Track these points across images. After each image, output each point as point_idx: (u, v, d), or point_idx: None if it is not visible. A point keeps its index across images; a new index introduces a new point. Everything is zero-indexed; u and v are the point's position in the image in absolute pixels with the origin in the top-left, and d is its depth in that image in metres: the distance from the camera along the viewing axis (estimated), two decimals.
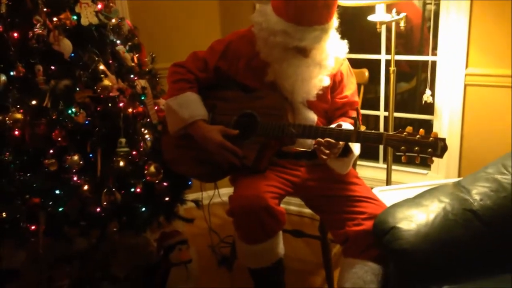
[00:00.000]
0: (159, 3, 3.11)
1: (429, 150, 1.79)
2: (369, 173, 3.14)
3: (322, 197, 2.12)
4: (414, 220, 1.80)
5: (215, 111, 2.19)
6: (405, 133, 1.84)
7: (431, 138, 1.79)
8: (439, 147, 1.78)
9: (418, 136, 1.81)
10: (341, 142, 1.96)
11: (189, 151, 2.19)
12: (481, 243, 1.76)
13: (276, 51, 2.01)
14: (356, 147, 2.06)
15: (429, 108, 2.88)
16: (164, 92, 2.52)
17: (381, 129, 3.10)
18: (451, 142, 2.77)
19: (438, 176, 2.91)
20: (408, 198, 1.97)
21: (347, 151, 2.02)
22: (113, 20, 2.33)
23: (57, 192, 2.08)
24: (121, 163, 2.17)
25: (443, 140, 1.79)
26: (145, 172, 2.29)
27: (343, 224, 2.01)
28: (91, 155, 2.16)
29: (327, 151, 1.94)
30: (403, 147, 1.82)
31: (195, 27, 3.20)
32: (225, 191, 2.35)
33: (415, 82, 3.63)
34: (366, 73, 2.63)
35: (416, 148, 1.80)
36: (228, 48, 2.16)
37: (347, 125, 2.01)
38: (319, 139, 1.94)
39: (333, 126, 2.00)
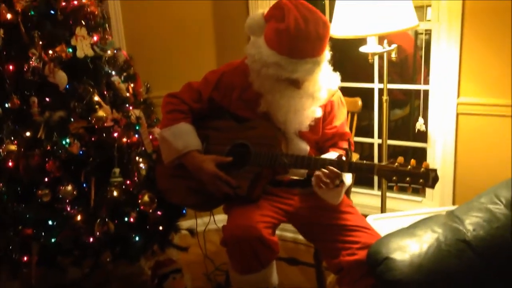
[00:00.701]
0: (156, 34, 3.16)
1: (421, 180, 1.80)
2: (363, 200, 3.14)
3: (316, 225, 2.12)
4: (407, 251, 1.80)
5: (209, 141, 2.20)
6: (396, 163, 1.85)
7: (422, 169, 1.81)
8: (430, 178, 1.80)
9: (409, 166, 1.83)
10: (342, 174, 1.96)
11: (183, 181, 2.19)
12: (474, 274, 1.75)
13: (268, 83, 2.03)
14: (347, 177, 2.07)
15: (423, 136, 2.90)
16: (159, 121, 2.54)
17: (375, 157, 3.11)
18: (445, 170, 2.78)
19: (432, 203, 2.91)
20: (402, 227, 1.97)
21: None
22: (109, 52, 2.36)
23: (50, 222, 2.08)
24: (115, 193, 2.18)
25: (435, 170, 1.80)
26: (139, 201, 2.29)
27: (337, 254, 2.00)
28: (84, 185, 2.17)
29: (328, 181, 1.94)
30: (394, 178, 1.83)
31: (191, 57, 3.24)
32: (221, 218, 2.34)
33: (408, 109, 3.66)
34: (359, 102, 2.66)
35: (408, 178, 1.81)
36: (221, 79, 2.19)
37: (333, 155, 2.02)
38: (322, 169, 1.94)
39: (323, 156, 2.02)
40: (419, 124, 2.82)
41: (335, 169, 1.92)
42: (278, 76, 1.97)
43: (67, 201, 2.10)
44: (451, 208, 2.05)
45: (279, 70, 1.95)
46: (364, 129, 3.21)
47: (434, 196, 2.89)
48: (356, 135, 2.89)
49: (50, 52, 2.12)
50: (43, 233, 2.07)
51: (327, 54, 2.04)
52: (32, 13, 2.12)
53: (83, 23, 2.27)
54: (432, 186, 1.80)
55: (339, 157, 1.93)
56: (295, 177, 2.17)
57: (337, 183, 1.96)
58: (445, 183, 2.79)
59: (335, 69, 2.16)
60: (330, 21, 2.20)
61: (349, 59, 3.38)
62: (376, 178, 3.16)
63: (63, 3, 2.20)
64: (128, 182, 2.26)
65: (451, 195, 2.81)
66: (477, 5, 2.53)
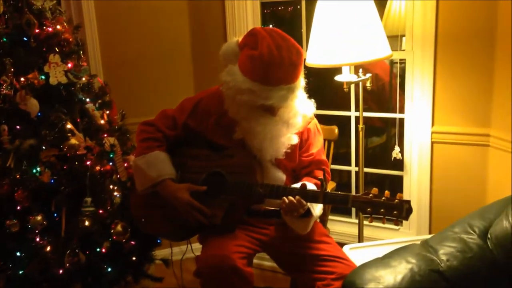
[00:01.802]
0: (133, 60, 3.15)
1: (395, 212, 1.81)
2: (341, 228, 3.13)
3: (291, 255, 2.10)
4: (381, 282, 1.78)
5: (184, 169, 2.18)
6: (371, 194, 1.85)
7: (396, 200, 1.81)
8: (404, 210, 1.81)
9: (383, 198, 1.83)
10: (307, 204, 1.96)
11: (157, 210, 2.16)
12: None
13: (243, 110, 2.03)
14: (317, 209, 2.06)
15: (399, 164, 2.92)
16: (135, 148, 2.51)
17: (353, 185, 3.12)
18: (421, 198, 2.80)
19: (409, 232, 2.91)
20: (377, 258, 1.96)
21: (308, 211, 2.02)
22: (83, 79, 2.34)
23: (18, 254, 2.02)
24: (87, 223, 2.14)
25: (408, 202, 1.81)
26: (112, 231, 2.25)
27: (313, 284, 1.98)
28: (55, 215, 2.12)
29: (292, 209, 1.94)
30: (369, 209, 1.84)
31: (168, 84, 3.24)
32: (199, 246, 2.31)
33: (385, 137, 3.69)
34: (336, 130, 2.67)
35: (382, 210, 1.82)
36: (197, 106, 2.18)
37: (310, 185, 2.02)
38: (289, 197, 1.94)
39: (297, 185, 2.01)
40: (395, 152, 2.84)
41: (301, 199, 1.92)
42: (252, 103, 1.97)
43: (37, 231, 2.04)
44: (426, 237, 2.05)
45: (253, 97, 1.95)
46: (342, 157, 3.22)
47: (411, 225, 2.89)
48: (334, 162, 2.89)
49: (22, 79, 2.10)
50: (10, 265, 2.00)
51: (301, 81, 2.05)
52: (5, 40, 2.09)
53: (57, 50, 2.25)
54: (406, 217, 1.81)
55: (303, 186, 1.95)
56: (270, 207, 2.15)
57: (301, 212, 1.96)
58: (422, 212, 2.81)
59: (312, 97, 2.17)
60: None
61: (326, 87, 3.41)
62: None
63: (37, 30, 2.19)
64: (100, 211, 2.22)
65: (428, 223, 2.82)
66: (450, 35, 2.58)
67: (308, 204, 1.99)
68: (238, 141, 2.11)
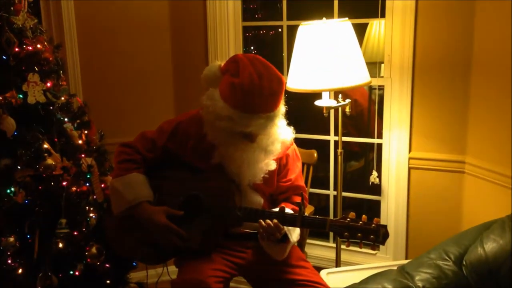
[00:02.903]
0: (113, 81, 3.15)
1: (371, 236, 1.82)
2: (318, 252, 3.13)
3: (269, 280, 2.09)
4: None
5: (161, 192, 2.16)
6: (348, 219, 1.86)
7: (373, 225, 1.83)
8: (380, 234, 1.82)
9: (360, 222, 1.84)
10: (284, 228, 1.96)
11: (133, 232, 2.13)
12: None
13: (222, 135, 2.03)
14: (294, 234, 2.06)
15: (377, 188, 2.94)
16: (113, 169, 2.49)
17: (331, 209, 3.13)
18: (398, 223, 2.82)
19: (386, 256, 2.93)
20: (354, 283, 1.96)
21: (285, 237, 2.02)
22: (62, 98, 2.32)
23: None
24: (60, 245, 2.10)
25: (385, 227, 1.83)
26: (86, 253, 2.20)
27: None
28: (28, 236, 2.08)
29: (269, 233, 1.94)
30: (346, 233, 1.85)
31: (148, 105, 3.24)
32: (174, 269, 2.28)
33: (364, 162, 3.73)
34: (315, 154, 2.69)
35: (359, 234, 1.83)
36: (177, 129, 2.17)
37: (288, 210, 2.02)
38: (267, 220, 1.93)
39: (275, 210, 2.01)
40: (373, 177, 2.86)
41: (278, 223, 1.93)
42: (231, 130, 1.98)
43: (8, 253, 1.99)
44: (403, 262, 2.06)
45: (232, 124, 1.95)
46: (321, 181, 3.24)
47: (388, 249, 2.90)
48: (313, 186, 2.90)
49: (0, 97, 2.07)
50: None
51: (282, 108, 2.06)
52: None
53: (37, 69, 2.22)
54: (382, 242, 1.82)
55: (281, 209, 1.95)
56: (248, 230, 2.14)
57: (278, 237, 1.96)
58: (398, 237, 2.82)
59: (292, 121, 2.19)
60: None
61: (307, 111, 3.44)
62: None
63: (17, 49, 2.16)
64: (75, 233, 2.17)
65: (404, 249, 2.84)
66: (427, 62, 2.64)
67: (286, 230, 1.99)
68: (216, 164, 2.10)
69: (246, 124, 1.93)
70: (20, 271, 2.01)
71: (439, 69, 2.61)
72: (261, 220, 1.95)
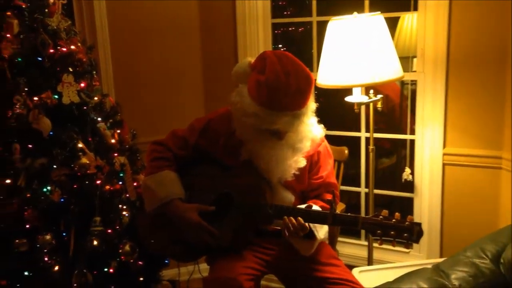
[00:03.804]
0: (145, 80, 3.19)
1: (405, 234, 1.79)
2: (350, 250, 3.10)
3: (298, 277, 2.08)
4: None
5: (193, 190, 2.17)
6: (381, 216, 1.83)
7: (406, 223, 1.79)
8: (414, 232, 1.78)
9: (393, 220, 1.81)
10: (308, 226, 1.94)
11: (165, 230, 2.15)
12: None
13: (249, 132, 2.02)
14: (321, 231, 2.04)
15: (410, 185, 2.89)
16: (145, 167, 2.52)
17: (362, 206, 3.09)
18: (432, 221, 2.76)
19: (420, 255, 2.87)
20: (387, 282, 1.93)
21: (312, 233, 2.01)
22: (95, 98, 2.36)
23: (26, 273, 2.02)
24: (95, 242, 2.13)
25: (419, 224, 1.79)
26: (120, 251, 2.24)
27: None
28: (64, 234, 2.12)
29: (293, 231, 1.93)
30: (379, 231, 1.82)
31: (179, 104, 3.26)
32: (206, 267, 2.30)
33: (395, 158, 3.67)
34: (346, 151, 2.66)
35: (392, 232, 1.80)
36: (207, 126, 2.18)
37: (316, 207, 2.01)
38: (291, 218, 1.93)
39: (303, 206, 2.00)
40: (406, 174, 2.81)
41: (302, 222, 1.91)
42: (257, 127, 1.97)
43: (45, 251, 2.04)
44: (438, 261, 2.02)
45: (258, 121, 1.94)
46: (352, 178, 3.20)
47: (422, 248, 2.85)
48: (343, 183, 2.87)
49: (36, 98, 2.11)
50: (18, 285, 1.99)
51: (311, 105, 2.03)
52: (19, 59, 2.12)
53: (71, 70, 2.27)
54: (417, 240, 1.79)
55: (308, 207, 1.94)
56: (279, 227, 2.14)
57: (300, 235, 1.95)
58: (432, 235, 2.77)
59: (322, 117, 2.16)
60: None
61: (337, 107, 3.40)
62: None
63: (51, 50, 2.21)
64: (109, 231, 2.21)
65: (439, 247, 2.78)
66: (462, 56, 2.58)
67: (312, 226, 1.98)
68: (246, 161, 2.10)
69: (272, 121, 1.92)
70: (56, 268, 2.06)
71: (474, 62, 2.55)
72: (285, 217, 1.93)
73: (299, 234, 1.94)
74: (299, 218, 1.92)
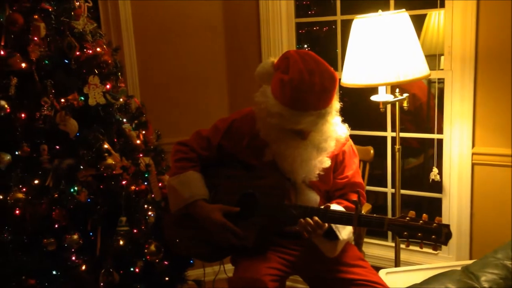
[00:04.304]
0: (169, 81, 3.21)
1: (433, 236, 1.75)
2: (376, 251, 3.06)
3: (325, 279, 2.06)
4: None
5: (217, 190, 2.18)
6: (407, 218, 1.80)
7: (434, 224, 1.76)
8: (443, 234, 1.75)
9: (421, 221, 1.78)
10: (326, 224, 1.93)
11: (190, 230, 2.16)
12: None
13: (273, 132, 2.02)
14: (344, 232, 2.01)
15: (438, 186, 2.84)
16: (170, 168, 2.54)
17: (389, 207, 3.04)
18: (461, 222, 2.71)
19: (449, 256, 2.81)
20: (415, 284, 1.89)
21: (334, 235, 1.98)
22: (121, 100, 2.39)
23: (54, 272, 2.05)
24: (121, 242, 2.15)
25: (447, 226, 1.75)
26: (146, 251, 2.26)
27: None
28: (91, 234, 2.15)
29: (310, 230, 1.91)
30: (405, 233, 1.79)
31: (203, 104, 3.28)
32: (231, 267, 2.30)
33: (423, 158, 3.60)
34: (371, 151, 2.63)
35: (419, 234, 1.77)
36: (231, 127, 2.19)
37: (337, 207, 1.98)
38: (307, 218, 1.91)
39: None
40: (434, 174, 2.76)
41: (319, 220, 1.88)
42: (282, 127, 1.96)
43: (72, 250, 2.07)
44: (467, 263, 1.97)
45: (282, 121, 1.93)
46: (378, 178, 3.16)
47: (451, 249, 2.79)
48: (369, 184, 2.84)
49: (62, 100, 2.14)
50: (46, 284, 2.03)
51: (335, 105, 2.02)
52: (46, 62, 2.15)
53: (96, 71, 2.29)
54: (445, 242, 1.75)
55: (327, 207, 1.92)
56: None
57: (319, 233, 1.92)
58: (462, 236, 2.71)
59: (347, 117, 2.15)
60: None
61: (362, 107, 3.37)
62: None
63: (78, 53, 2.24)
64: (135, 231, 2.23)
65: (468, 248, 2.72)
66: (491, 53, 2.52)
67: (334, 227, 1.95)
68: (270, 162, 2.09)
69: (296, 121, 1.91)
70: (83, 267, 2.09)
71: (504, 59, 2.48)
72: (301, 220, 1.92)
73: (317, 233, 1.92)
74: (315, 217, 1.90)
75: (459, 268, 1.92)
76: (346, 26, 2.66)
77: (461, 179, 2.68)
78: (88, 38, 2.32)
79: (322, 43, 4.05)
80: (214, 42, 3.26)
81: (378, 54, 2.29)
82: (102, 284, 2.08)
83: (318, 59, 1.93)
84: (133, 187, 2.29)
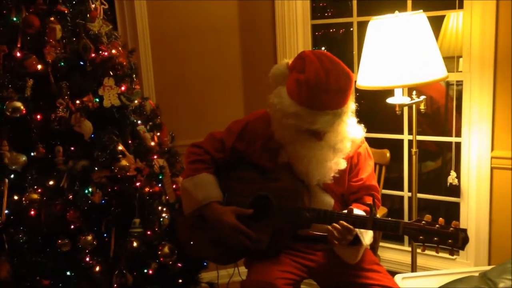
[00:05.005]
0: (184, 83, 3.21)
1: (449, 241, 1.72)
2: (392, 255, 3.01)
3: (339, 284, 2.03)
4: None
5: (231, 192, 2.16)
6: (423, 222, 1.77)
7: (451, 229, 1.72)
8: (460, 239, 1.71)
9: (437, 225, 1.74)
10: (356, 230, 1.89)
11: (203, 232, 2.15)
12: None
13: (289, 133, 2.01)
14: (367, 237, 1.98)
15: (456, 190, 2.79)
16: (184, 170, 2.53)
17: (405, 211, 3.00)
18: (480, 227, 2.65)
19: (467, 262, 2.76)
20: None
21: (357, 239, 1.95)
22: (135, 101, 2.39)
23: (68, 273, 2.06)
24: (135, 244, 2.16)
25: (464, 231, 1.71)
26: (159, 252, 2.26)
27: None
28: (105, 235, 2.15)
29: (340, 236, 1.87)
30: (421, 237, 1.76)
31: (218, 107, 3.27)
32: (246, 270, 2.28)
33: (441, 161, 3.55)
34: (388, 154, 2.59)
35: (436, 238, 1.73)
36: (245, 129, 2.18)
37: (357, 211, 1.95)
38: (334, 224, 1.88)
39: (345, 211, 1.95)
40: (451, 178, 2.71)
41: (347, 225, 1.86)
42: (298, 127, 1.95)
43: (87, 251, 2.08)
44: (485, 268, 1.94)
45: (298, 121, 1.92)
46: (394, 181, 3.11)
47: (469, 255, 2.74)
48: (386, 187, 2.80)
49: (77, 101, 2.16)
50: (60, 284, 2.04)
51: (351, 105, 2.00)
52: (62, 64, 2.17)
53: (111, 73, 2.30)
54: (462, 247, 1.71)
55: (350, 210, 1.88)
56: (318, 232, 2.10)
57: (349, 239, 1.89)
58: (480, 241, 2.66)
59: (363, 120, 2.13)
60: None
61: (378, 109, 3.33)
62: None
63: (93, 55, 2.25)
64: (148, 232, 2.23)
65: (487, 254, 2.66)
66: (510, 54, 2.46)
67: (358, 232, 1.92)
68: (284, 164, 2.08)
69: (313, 121, 1.90)
70: (97, 268, 2.09)
71: None
72: (329, 227, 1.89)
73: (347, 239, 1.89)
74: (343, 222, 1.87)
75: (477, 274, 1.88)
76: (363, 28, 2.63)
77: (479, 183, 2.63)
78: (104, 40, 2.32)
79: (339, 45, 4.01)
80: (229, 43, 3.26)
81: (395, 55, 2.26)
82: (115, 285, 2.09)
83: (334, 59, 1.93)
84: (147, 189, 2.29)
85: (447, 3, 2.73)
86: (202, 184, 2.12)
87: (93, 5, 2.32)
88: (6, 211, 2.06)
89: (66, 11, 2.19)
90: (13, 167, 2.07)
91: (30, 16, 2.11)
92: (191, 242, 2.22)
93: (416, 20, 2.27)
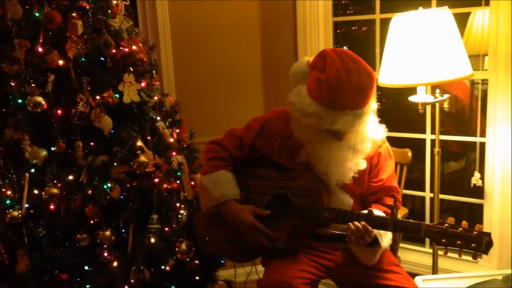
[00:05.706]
0: (204, 80, 3.21)
1: (473, 245, 1.67)
2: (413, 257, 2.96)
3: (358, 284, 2.00)
4: None
5: (249, 190, 2.15)
6: (446, 224, 1.72)
7: (475, 232, 1.68)
8: (483, 243, 1.66)
9: (460, 229, 1.70)
10: (374, 231, 1.86)
11: (220, 230, 2.14)
12: None
13: (308, 132, 1.98)
14: (386, 239, 1.95)
15: (479, 191, 2.73)
16: (202, 167, 2.53)
17: (427, 212, 2.94)
18: (504, 229, 2.59)
19: (489, 265, 2.70)
20: None
21: (376, 241, 1.92)
22: (155, 98, 2.39)
23: (86, 268, 2.07)
24: (152, 240, 2.16)
25: (488, 234, 1.67)
26: (176, 249, 2.26)
27: None
28: (123, 231, 2.16)
29: (359, 235, 1.85)
30: (443, 240, 1.71)
31: (238, 103, 3.26)
32: (263, 268, 2.27)
33: (464, 162, 3.48)
34: (409, 154, 2.55)
35: (458, 242, 1.69)
36: (264, 127, 2.16)
37: (378, 212, 1.92)
38: (355, 222, 1.85)
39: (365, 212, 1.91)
40: (475, 179, 2.66)
41: (366, 225, 1.83)
42: (317, 127, 1.92)
43: (105, 246, 2.09)
44: (508, 272, 1.89)
45: (318, 121, 1.89)
46: (416, 182, 3.06)
47: (492, 258, 2.68)
48: (407, 188, 2.75)
49: (98, 97, 2.17)
50: (78, 279, 2.05)
51: (372, 105, 1.97)
52: (83, 59, 2.18)
53: (132, 69, 2.31)
54: (485, 251, 1.66)
55: (371, 211, 1.85)
56: (336, 232, 2.07)
57: (367, 240, 1.86)
58: (504, 244, 2.60)
59: (384, 118, 2.09)
60: None
61: (400, 108, 3.28)
62: None
63: (114, 51, 2.26)
64: (166, 229, 2.23)
65: (510, 257, 2.60)
66: None
67: (376, 233, 1.89)
68: (303, 163, 2.05)
69: (333, 121, 1.86)
70: (115, 264, 2.10)
71: None
72: (350, 224, 1.86)
73: (365, 240, 1.86)
74: (362, 222, 1.84)
75: (500, 278, 1.84)
76: (386, 25, 2.58)
77: (504, 185, 2.57)
78: (124, 36, 2.33)
79: (361, 43, 3.97)
80: (250, 41, 3.24)
81: (418, 52, 2.20)
82: (133, 281, 2.09)
83: (356, 58, 1.88)
84: (165, 185, 2.29)
85: (472, 1, 2.67)
86: (220, 181, 2.11)
87: (115, 1, 2.33)
88: (26, 205, 2.08)
89: (87, 7, 2.20)
90: (34, 161, 2.09)
91: (52, 11, 2.13)
92: (208, 240, 2.21)
93: (441, 16, 2.22)
